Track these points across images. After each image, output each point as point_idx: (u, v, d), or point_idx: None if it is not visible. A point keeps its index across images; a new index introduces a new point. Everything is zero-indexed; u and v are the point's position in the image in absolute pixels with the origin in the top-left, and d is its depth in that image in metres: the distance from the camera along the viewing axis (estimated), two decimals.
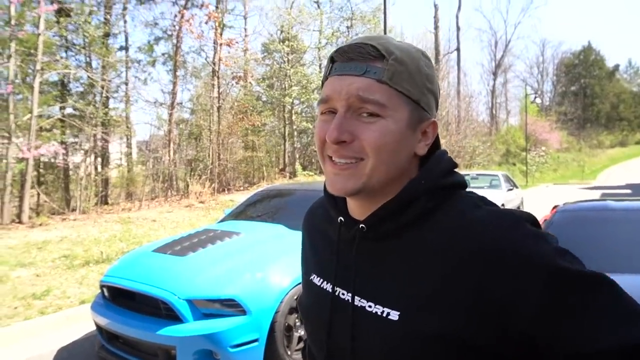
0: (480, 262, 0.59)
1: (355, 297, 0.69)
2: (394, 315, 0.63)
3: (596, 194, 15.80)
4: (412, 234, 0.66)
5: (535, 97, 33.40)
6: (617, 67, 62.42)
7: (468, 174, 10.84)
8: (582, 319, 0.55)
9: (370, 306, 0.67)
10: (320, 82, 0.77)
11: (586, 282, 0.56)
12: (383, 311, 0.65)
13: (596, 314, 0.55)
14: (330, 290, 0.74)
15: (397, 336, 0.63)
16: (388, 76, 0.64)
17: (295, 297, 3.34)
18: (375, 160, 0.65)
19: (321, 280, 0.78)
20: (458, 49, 33.57)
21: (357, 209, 0.73)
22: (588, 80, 57.45)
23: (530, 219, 0.63)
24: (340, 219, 0.75)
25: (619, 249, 2.91)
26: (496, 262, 0.58)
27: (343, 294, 0.72)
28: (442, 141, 0.78)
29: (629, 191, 17.44)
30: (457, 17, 32.70)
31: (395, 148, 0.65)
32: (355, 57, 0.66)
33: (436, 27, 30.91)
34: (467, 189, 0.72)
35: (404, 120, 0.65)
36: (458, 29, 33.49)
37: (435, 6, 30.94)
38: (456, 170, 0.73)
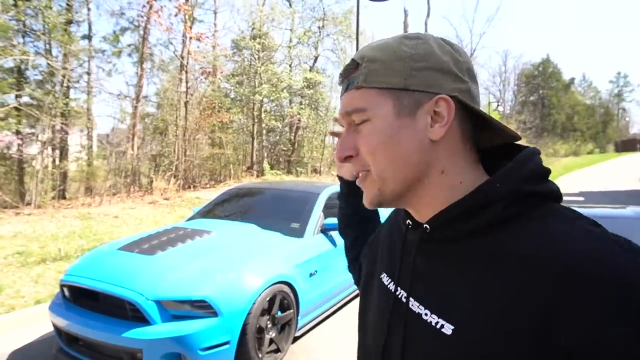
0: (565, 290, 0.49)
1: (410, 298, 0.65)
2: (448, 328, 0.58)
3: None
4: (482, 242, 0.59)
5: (498, 105, 34.52)
6: (572, 80, 65.37)
7: None
8: None
9: (426, 314, 0.62)
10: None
11: None
12: (438, 322, 0.59)
13: None
14: (393, 290, 0.70)
15: (447, 352, 0.58)
16: (362, 80, 0.63)
17: (267, 299, 3.28)
18: (375, 165, 0.63)
19: (389, 280, 0.74)
20: None
21: (415, 214, 0.69)
22: (546, 91, 59.87)
23: None
24: (408, 222, 0.71)
25: None
26: (585, 295, 0.48)
27: (402, 296, 0.68)
28: None
29: (581, 198, 18.32)
30: (425, 23, 33.27)
31: (388, 145, 0.62)
32: (342, 77, 0.68)
33: (405, 32, 31.46)
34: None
35: (390, 112, 0.62)
36: None
37: (405, 12, 31.39)
38: (548, 176, 0.62)
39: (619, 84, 72.30)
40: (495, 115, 35.86)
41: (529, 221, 0.57)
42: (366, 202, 0.67)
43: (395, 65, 0.62)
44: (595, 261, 0.49)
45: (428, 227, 0.64)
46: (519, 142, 0.68)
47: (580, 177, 33.60)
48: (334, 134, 1.00)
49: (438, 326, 0.59)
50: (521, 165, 0.60)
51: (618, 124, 72.47)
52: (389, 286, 0.73)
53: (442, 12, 78.66)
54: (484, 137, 0.68)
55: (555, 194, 0.61)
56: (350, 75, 0.66)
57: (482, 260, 0.57)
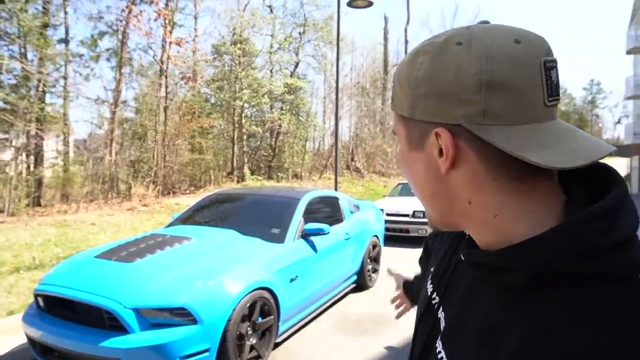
0: None
1: (440, 309, 0.64)
2: None
3: None
4: (508, 303, 0.48)
5: None
6: None
7: (403, 183, 11.08)
8: None
9: (440, 352, 0.58)
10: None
11: None
12: (440, 352, 0.57)
13: None
14: (429, 294, 0.69)
15: None
16: (392, 102, 0.58)
17: (247, 305, 3.27)
18: (417, 195, 0.59)
19: (430, 284, 0.72)
20: None
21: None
22: None
23: None
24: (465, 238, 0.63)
25: None
26: None
27: (435, 301, 0.66)
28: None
29: None
30: (405, 30, 33.66)
31: (409, 175, 0.58)
32: None
33: (386, 39, 31.71)
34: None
35: (403, 141, 0.57)
36: (406, 41, 34.51)
37: (386, 18, 31.75)
38: (631, 242, 0.45)
39: (592, 91, 74.52)
40: None
41: (596, 295, 0.43)
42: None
43: (405, 90, 0.53)
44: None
45: (462, 257, 0.58)
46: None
47: None
48: None
49: (439, 356, 0.57)
50: (572, 230, 0.45)
51: (592, 130, 74.55)
52: (428, 289, 0.72)
53: (422, 19, 79.83)
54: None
55: (630, 270, 0.44)
56: None
57: (499, 322, 0.48)
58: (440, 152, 0.51)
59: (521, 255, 0.46)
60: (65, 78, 14.59)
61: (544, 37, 0.50)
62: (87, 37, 16.07)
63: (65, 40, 14.89)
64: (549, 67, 0.48)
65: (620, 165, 30.54)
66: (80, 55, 15.15)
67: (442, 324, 0.60)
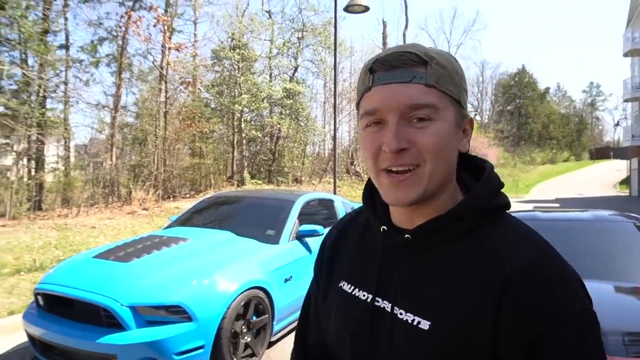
0: (512, 289, 0.61)
1: (395, 306, 0.70)
2: (425, 324, 0.65)
3: (529, 207, 16.94)
4: (454, 251, 0.68)
5: (476, 115, 35.21)
6: (547, 89, 67.16)
7: None
8: None
9: (401, 313, 0.69)
10: (359, 94, 0.72)
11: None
12: (414, 319, 0.67)
13: None
14: (370, 300, 0.73)
15: (424, 345, 0.65)
16: (435, 79, 0.65)
17: (242, 304, 3.35)
18: (433, 164, 0.66)
19: (353, 287, 0.77)
20: None
21: (404, 219, 0.74)
22: (522, 100, 61.35)
23: (576, 274, 0.65)
24: (383, 228, 0.75)
25: None
26: (522, 296, 0.61)
27: (383, 304, 0.72)
28: None
29: (557, 205, 18.83)
30: (404, 34, 33.90)
31: (449, 148, 0.68)
32: (399, 65, 0.66)
33: (384, 43, 31.89)
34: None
35: (452, 120, 0.68)
36: None
37: (384, 23, 31.95)
38: (502, 190, 0.73)
39: (592, 94, 74.57)
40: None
41: (490, 230, 0.69)
42: (403, 200, 0.67)
43: (455, 79, 0.68)
44: (542, 270, 0.62)
45: (410, 236, 0.70)
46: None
47: (557, 184, 34.45)
48: None
49: (415, 323, 0.66)
50: (489, 183, 0.72)
51: (592, 132, 74.55)
52: (355, 294, 0.76)
53: (420, 23, 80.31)
54: None
55: (508, 205, 0.73)
56: (415, 68, 0.65)
57: (455, 263, 0.67)
58: (464, 135, 0.73)
59: (473, 202, 0.69)
60: (65, 83, 14.75)
61: None
62: (87, 42, 16.20)
63: (65, 46, 15.06)
64: None
65: (620, 167, 30.56)
66: (80, 61, 15.33)
67: (406, 314, 0.68)
